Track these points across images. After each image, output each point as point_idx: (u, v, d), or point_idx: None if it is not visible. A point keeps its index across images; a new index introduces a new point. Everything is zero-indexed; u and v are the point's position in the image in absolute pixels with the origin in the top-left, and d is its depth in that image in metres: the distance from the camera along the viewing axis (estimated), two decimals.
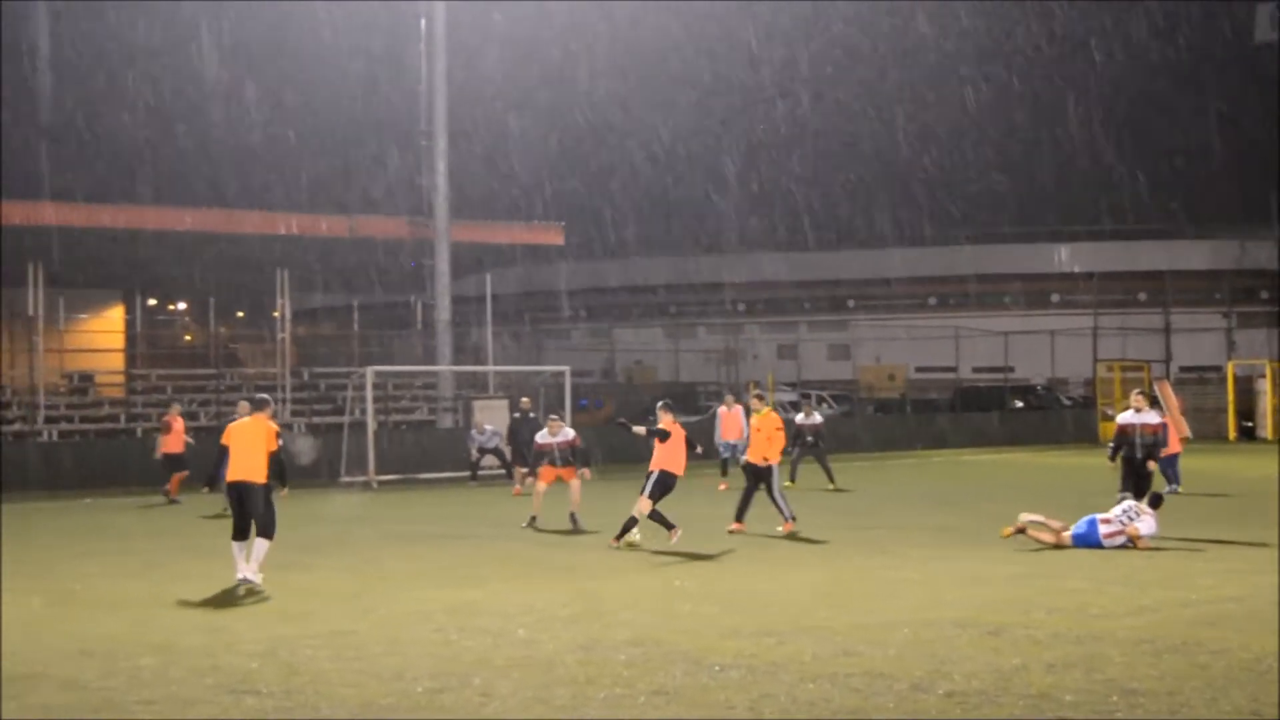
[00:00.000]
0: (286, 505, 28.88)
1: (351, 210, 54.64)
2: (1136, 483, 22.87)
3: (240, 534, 17.63)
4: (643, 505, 21.78)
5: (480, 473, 37.48)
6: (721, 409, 35.48)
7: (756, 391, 26.35)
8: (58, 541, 23.78)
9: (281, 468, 18.05)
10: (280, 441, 17.91)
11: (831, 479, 33.29)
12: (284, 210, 50.98)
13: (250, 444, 17.76)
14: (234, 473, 17.79)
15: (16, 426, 41.02)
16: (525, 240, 54.49)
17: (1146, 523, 20.45)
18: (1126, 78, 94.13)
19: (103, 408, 44.37)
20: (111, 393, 46.84)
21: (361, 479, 36.91)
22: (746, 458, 24.19)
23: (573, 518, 24.70)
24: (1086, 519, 20.51)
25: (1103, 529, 20.28)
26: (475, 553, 21.27)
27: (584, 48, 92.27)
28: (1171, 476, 31.16)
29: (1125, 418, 23.40)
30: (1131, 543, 20.10)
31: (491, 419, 39.31)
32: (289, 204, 59.93)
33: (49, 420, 41.56)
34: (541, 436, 25.72)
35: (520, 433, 34.49)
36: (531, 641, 13.43)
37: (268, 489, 17.73)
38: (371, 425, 38.29)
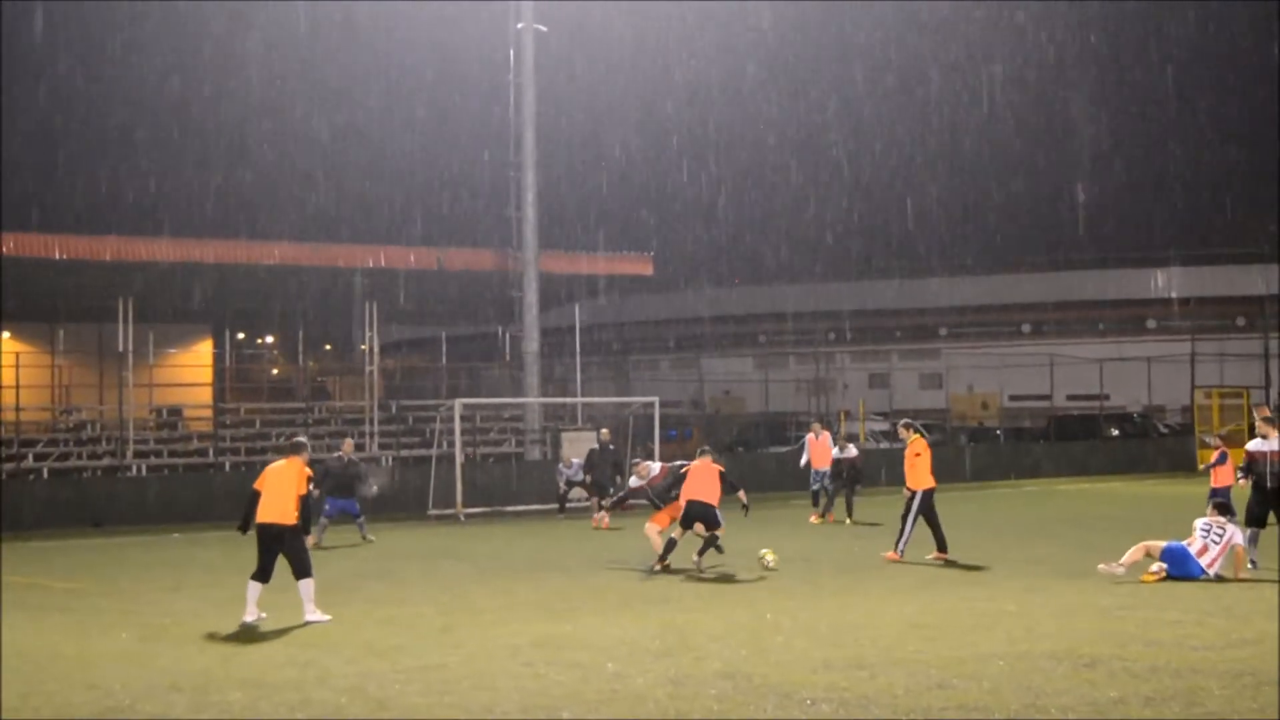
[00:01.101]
0: (373, 535, 29.22)
1: (440, 242, 54.87)
2: (1263, 513, 22.01)
3: (262, 576, 17.76)
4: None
5: (569, 505, 37.57)
6: (810, 436, 35.38)
7: (905, 420, 26.24)
8: (146, 575, 23.97)
9: (308, 512, 18.07)
10: (311, 486, 18.08)
11: (850, 514, 33.00)
12: (372, 242, 51.27)
13: (284, 486, 17.92)
14: (265, 514, 17.89)
15: (106, 461, 41.39)
16: (614, 270, 54.57)
17: (1235, 532, 20.32)
18: (1229, 94, 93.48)
19: (191, 442, 44.69)
20: (200, 427, 47.18)
21: (449, 512, 37.02)
22: (930, 484, 24.35)
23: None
24: (1175, 553, 20.20)
25: (1198, 555, 20.08)
26: (564, 585, 21.29)
27: (675, 77, 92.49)
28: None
29: (1255, 445, 22.35)
30: (1233, 563, 19.96)
31: (578, 451, 39.40)
32: (377, 236, 60.35)
33: (138, 455, 41.88)
34: (634, 482, 25.64)
35: (598, 464, 34.58)
36: (621, 675, 13.42)
37: (297, 530, 17.86)
38: (459, 458, 38.40)
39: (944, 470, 47.69)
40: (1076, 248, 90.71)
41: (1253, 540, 21.43)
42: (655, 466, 25.90)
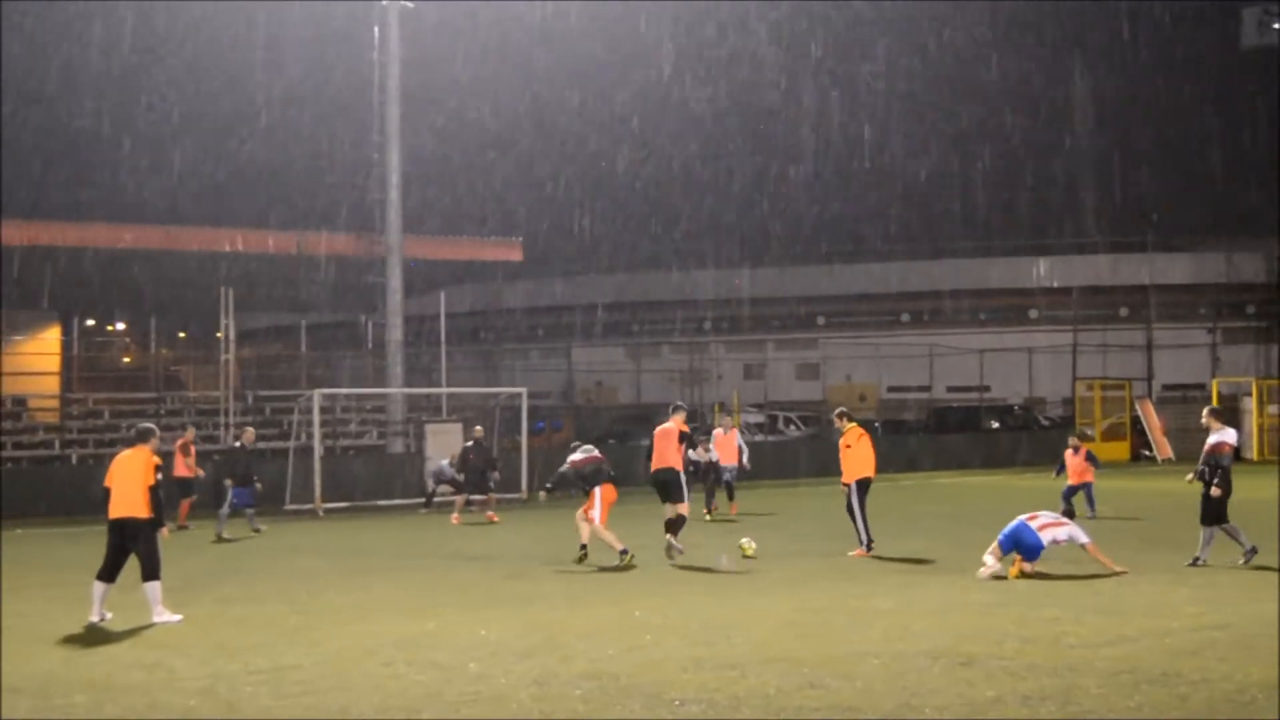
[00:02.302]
0: (227, 531, 28.98)
1: (300, 225, 54.46)
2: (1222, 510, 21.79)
3: (107, 574, 17.54)
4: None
5: (435, 500, 37.48)
6: (718, 432, 35.21)
7: (840, 410, 26.28)
8: None
9: (159, 505, 17.69)
10: (159, 476, 17.70)
11: (709, 508, 33.20)
12: (228, 226, 50.79)
13: (132, 478, 17.57)
14: (115, 509, 17.58)
15: None
16: (482, 256, 54.41)
17: (1077, 532, 20.66)
18: (1109, 86, 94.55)
19: (36, 433, 44.13)
20: (45, 418, 46.61)
21: (307, 507, 36.82)
22: (864, 474, 24.52)
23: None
24: (1011, 534, 20.50)
25: (1036, 526, 20.35)
26: (428, 583, 21.22)
27: (543, 59, 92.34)
28: (1090, 503, 31.63)
29: (1217, 439, 22.02)
30: (1078, 544, 20.33)
31: (443, 444, 39.33)
32: (234, 219, 59.80)
33: None
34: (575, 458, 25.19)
35: (473, 462, 34.49)
36: (483, 676, 13.38)
37: (152, 525, 17.57)
38: (318, 450, 38.21)
39: (820, 464, 48.27)
40: (957, 235, 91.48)
41: (1209, 540, 21.62)
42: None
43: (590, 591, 19.81)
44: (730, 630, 15.78)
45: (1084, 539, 20.59)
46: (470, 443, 34.98)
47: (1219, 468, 21.59)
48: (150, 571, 17.38)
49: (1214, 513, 21.63)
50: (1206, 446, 22.07)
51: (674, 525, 23.59)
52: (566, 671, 13.49)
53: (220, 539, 29.70)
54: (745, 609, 17.61)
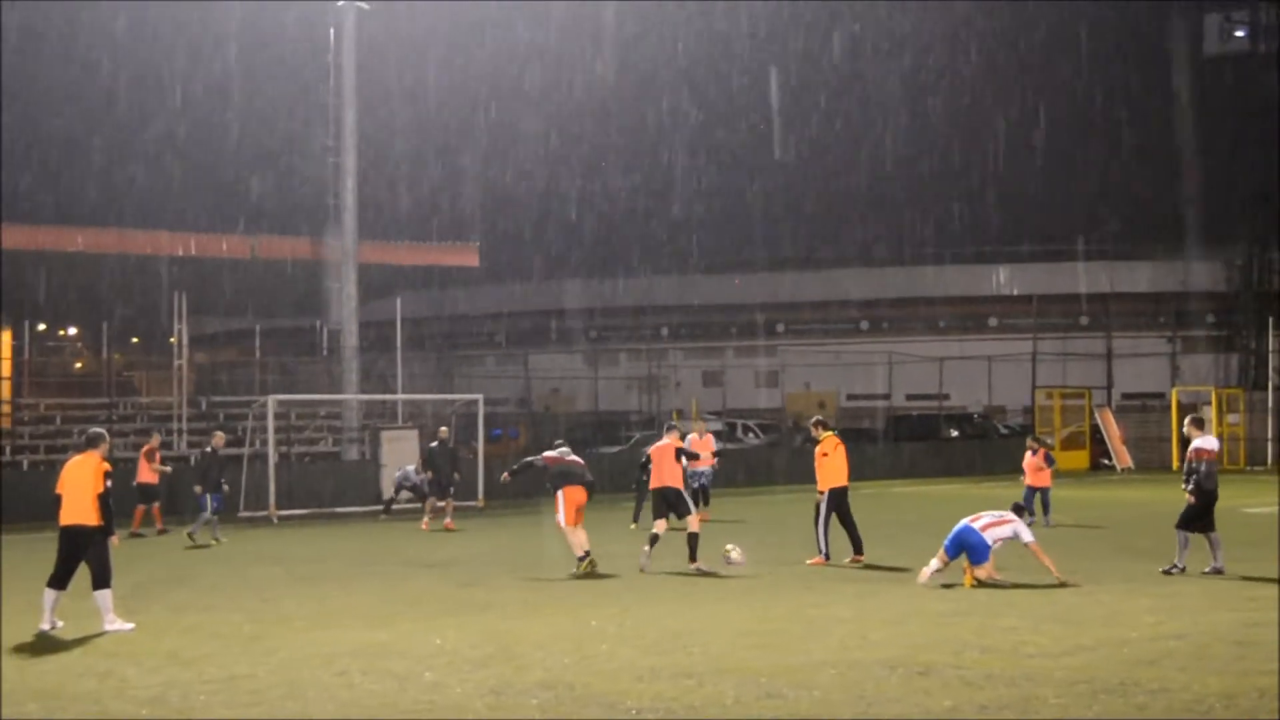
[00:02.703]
0: (181, 540, 28.96)
1: (254, 229, 54.31)
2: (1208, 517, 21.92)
3: (58, 582, 17.46)
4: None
5: (394, 507, 37.48)
6: (693, 436, 35.07)
7: (816, 418, 26.27)
8: None
9: (109, 513, 17.61)
10: (109, 484, 17.62)
11: (679, 515, 32.88)
12: (182, 230, 50.62)
13: (82, 484, 17.53)
14: (66, 516, 17.51)
15: None
16: (438, 262, 54.35)
17: (1021, 529, 20.79)
18: (1070, 94, 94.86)
19: None
20: None
21: (262, 514, 36.75)
22: (838, 483, 24.56)
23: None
24: (955, 538, 20.66)
25: (980, 526, 20.53)
26: (383, 591, 21.21)
27: (502, 63, 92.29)
28: (1046, 509, 32.23)
29: (1202, 444, 22.10)
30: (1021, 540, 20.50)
31: (399, 452, 39.31)
32: (188, 223, 59.63)
33: None
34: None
35: (439, 463, 34.44)
36: (439, 685, 13.40)
37: (102, 533, 17.50)
38: (273, 457, 38.12)
39: (779, 472, 48.41)
40: (917, 242, 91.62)
41: (1185, 544, 21.71)
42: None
43: (546, 600, 19.81)
44: (687, 639, 15.81)
45: (1028, 537, 20.75)
46: (435, 443, 34.94)
47: (1195, 474, 21.76)
48: (101, 579, 17.34)
49: (1193, 518, 21.76)
50: (1189, 453, 22.22)
51: (692, 540, 23.62)
52: (522, 681, 13.51)
53: (194, 543, 30.16)
54: (702, 618, 17.64)
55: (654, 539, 23.62)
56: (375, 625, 17.44)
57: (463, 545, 28.62)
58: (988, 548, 20.37)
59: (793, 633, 16.35)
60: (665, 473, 23.81)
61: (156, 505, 33.41)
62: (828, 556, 23.93)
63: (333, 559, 27.01)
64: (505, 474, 24.82)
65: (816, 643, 15.51)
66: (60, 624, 17.32)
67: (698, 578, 22.26)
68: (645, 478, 33.43)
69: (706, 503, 34.38)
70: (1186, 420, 23.20)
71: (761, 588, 20.90)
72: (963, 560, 20.56)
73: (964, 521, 20.70)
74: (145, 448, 34.25)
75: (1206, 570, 21.34)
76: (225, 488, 32.40)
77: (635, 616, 17.83)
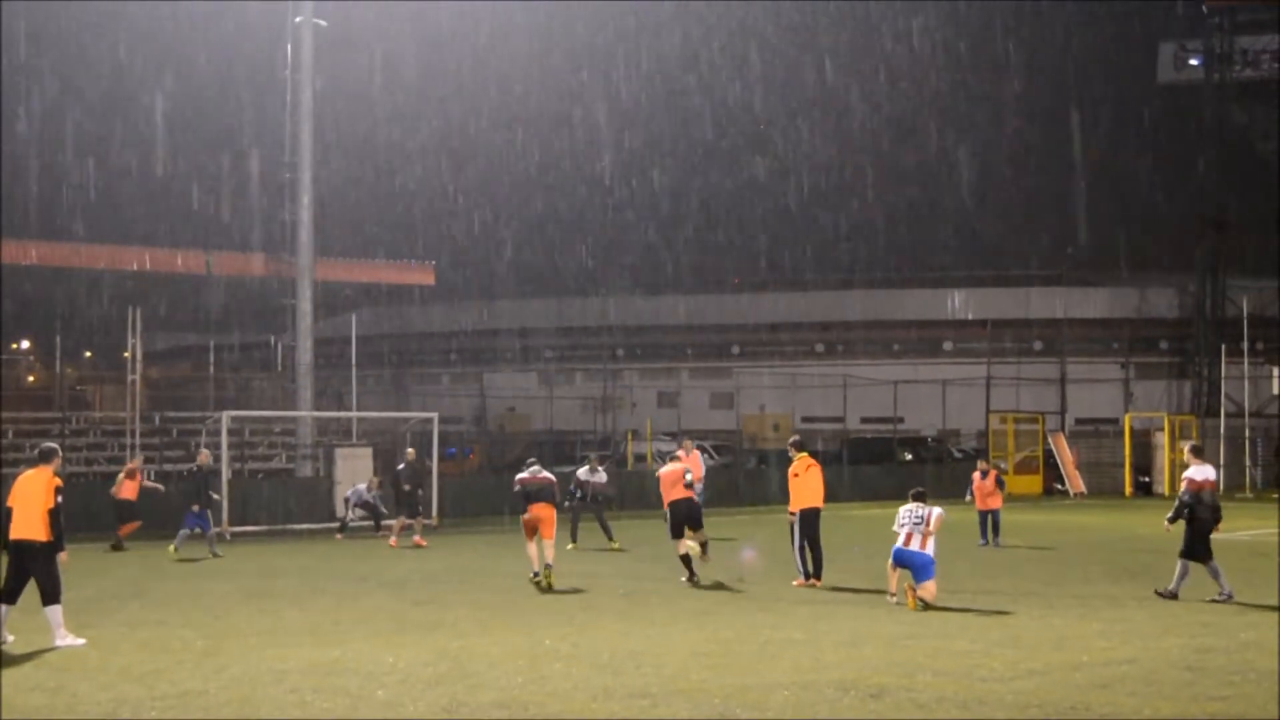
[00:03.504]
0: (134, 555, 28.82)
1: (209, 245, 54.14)
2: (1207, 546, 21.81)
3: (8, 597, 17.44)
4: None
5: (350, 525, 37.45)
6: (680, 453, 34.99)
7: (794, 439, 26.30)
8: None
9: (59, 528, 17.50)
10: (59, 499, 17.51)
11: (610, 537, 32.94)
12: (137, 244, 50.45)
13: (32, 499, 17.45)
14: (16, 529, 17.43)
15: None
16: (394, 280, 54.30)
17: (932, 510, 21.25)
18: (1026, 120, 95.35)
19: None
20: None
21: (214, 530, 36.60)
22: (808, 504, 24.60)
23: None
24: (898, 558, 21.15)
25: (904, 544, 21.02)
26: (336, 609, 21.15)
27: (458, 81, 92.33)
28: (996, 530, 32.90)
29: (1200, 474, 21.96)
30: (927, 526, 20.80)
31: (353, 470, 39.29)
32: (142, 238, 59.41)
33: None
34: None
35: (409, 482, 34.62)
36: (392, 704, 13.38)
37: (50, 549, 17.41)
38: (225, 473, 37.98)
39: (733, 494, 48.42)
40: (872, 266, 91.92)
41: (1183, 575, 21.68)
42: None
43: (500, 619, 19.79)
44: (640, 660, 15.82)
45: (938, 511, 21.26)
46: (401, 465, 35.14)
47: (1191, 505, 21.73)
48: (50, 595, 17.26)
49: (1195, 548, 21.74)
50: (1184, 482, 22.22)
51: (704, 549, 24.51)
52: (476, 700, 13.50)
53: (179, 557, 30.71)
54: (655, 639, 17.64)
55: (686, 559, 24.35)
56: (328, 642, 17.40)
57: (416, 563, 28.56)
58: (931, 561, 20.72)
59: (746, 654, 16.37)
60: (677, 490, 24.74)
61: (132, 524, 34.05)
62: (807, 576, 23.99)
63: (285, 575, 26.92)
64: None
65: (770, 664, 15.53)
66: (10, 638, 17.25)
67: (650, 597, 22.26)
68: (580, 497, 33.66)
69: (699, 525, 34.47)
70: (1186, 449, 23.19)
71: (713, 608, 20.91)
72: (909, 580, 20.79)
73: (894, 548, 21.12)
74: (128, 467, 35.07)
75: (1216, 598, 21.23)
76: (215, 496, 33.42)
77: (589, 636, 17.83)
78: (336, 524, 37.75)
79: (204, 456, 33.49)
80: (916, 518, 21.14)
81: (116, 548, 32.84)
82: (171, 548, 31.36)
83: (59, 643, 17.04)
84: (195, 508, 31.88)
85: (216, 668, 15.50)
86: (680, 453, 35.05)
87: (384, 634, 18.25)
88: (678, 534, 24.48)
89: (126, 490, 34.29)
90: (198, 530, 31.87)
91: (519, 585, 23.21)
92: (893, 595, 21.13)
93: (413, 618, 20.08)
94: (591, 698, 13.57)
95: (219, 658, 16.25)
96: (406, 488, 35.34)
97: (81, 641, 17.15)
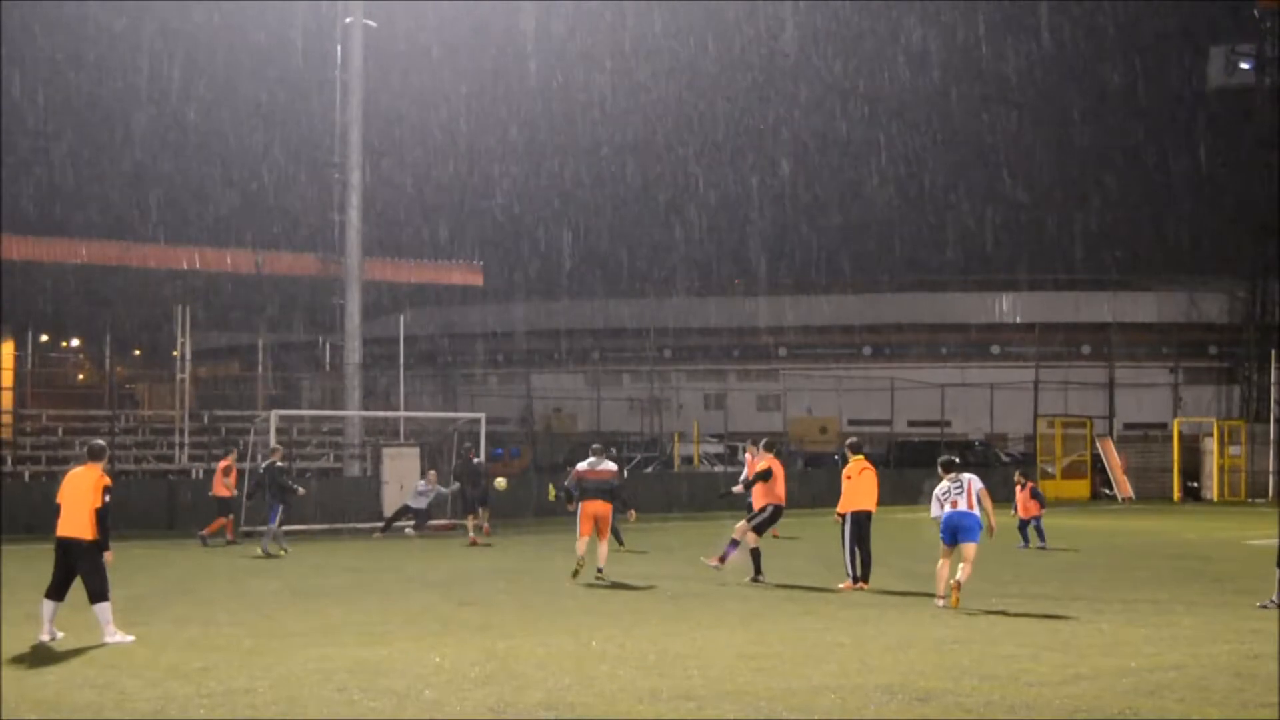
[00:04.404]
0: (182, 554, 28.91)
1: (259, 244, 54.24)
2: None
3: (56, 593, 17.49)
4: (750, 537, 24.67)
5: (395, 524, 37.60)
6: (748, 456, 35.78)
7: (851, 441, 26.37)
8: None
9: (105, 527, 17.52)
10: (107, 499, 17.51)
11: (620, 540, 32.64)
12: (187, 244, 50.56)
13: (80, 497, 17.48)
14: (62, 527, 17.51)
15: None
16: (442, 280, 54.31)
17: (971, 479, 21.57)
18: (1076, 123, 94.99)
19: None
20: None
21: (262, 529, 36.67)
22: (858, 507, 24.72)
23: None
24: (946, 524, 21.36)
25: (951, 507, 21.30)
26: (382, 608, 21.17)
27: (508, 83, 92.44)
28: (1040, 535, 33.56)
29: None
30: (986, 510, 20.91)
31: (401, 467, 39.39)
32: (193, 237, 59.62)
33: None
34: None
35: (470, 477, 34.92)
36: (438, 703, 13.38)
37: (96, 547, 17.42)
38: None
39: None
40: (920, 269, 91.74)
41: None
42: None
43: (546, 620, 19.78)
44: (687, 662, 15.79)
45: (978, 483, 21.55)
46: (459, 460, 35.54)
47: None
48: (97, 593, 17.28)
49: None
50: None
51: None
52: (522, 701, 13.50)
53: (266, 554, 31.35)
54: (701, 641, 17.60)
55: (757, 555, 24.83)
56: (375, 642, 17.42)
57: (462, 563, 28.58)
58: (978, 523, 21.20)
59: (792, 657, 16.32)
60: (780, 489, 25.26)
61: (230, 518, 34.96)
62: (855, 580, 23.95)
63: (332, 575, 26.98)
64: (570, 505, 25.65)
65: (816, 667, 15.49)
66: (60, 635, 17.31)
67: (696, 600, 22.22)
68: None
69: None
70: None
71: (760, 611, 20.87)
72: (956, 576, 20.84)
73: (945, 513, 21.31)
74: (221, 463, 35.52)
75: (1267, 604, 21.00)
76: (300, 491, 33.88)
77: (635, 637, 17.81)
78: (409, 522, 37.97)
79: (277, 454, 33.70)
80: (957, 489, 21.19)
81: (206, 540, 34.02)
82: (279, 549, 31.89)
83: (108, 640, 17.09)
84: (279, 506, 32.41)
85: (264, 666, 15.53)
86: (749, 456, 35.52)
87: (431, 634, 18.26)
88: (762, 531, 24.94)
89: (220, 487, 34.88)
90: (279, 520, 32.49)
91: (565, 586, 23.26)
92: (941, 599, 21.04)
93: (459, 618, 20.08)
94: (638, 699, 13.55)
95: (266, 656, 16.28)
96: (457, 485, 35.83)
97: (130, 639, 17.21)
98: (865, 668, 15.42)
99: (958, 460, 22.15)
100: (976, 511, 21.12)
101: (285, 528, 33.20)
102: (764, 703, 13.34)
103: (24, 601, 19.91)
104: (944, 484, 21.51)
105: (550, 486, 31.93)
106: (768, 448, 26.04)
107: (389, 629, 18.73)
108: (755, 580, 24.34)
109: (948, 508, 21.30)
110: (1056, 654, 16.40)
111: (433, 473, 38.57)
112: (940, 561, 21.36)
